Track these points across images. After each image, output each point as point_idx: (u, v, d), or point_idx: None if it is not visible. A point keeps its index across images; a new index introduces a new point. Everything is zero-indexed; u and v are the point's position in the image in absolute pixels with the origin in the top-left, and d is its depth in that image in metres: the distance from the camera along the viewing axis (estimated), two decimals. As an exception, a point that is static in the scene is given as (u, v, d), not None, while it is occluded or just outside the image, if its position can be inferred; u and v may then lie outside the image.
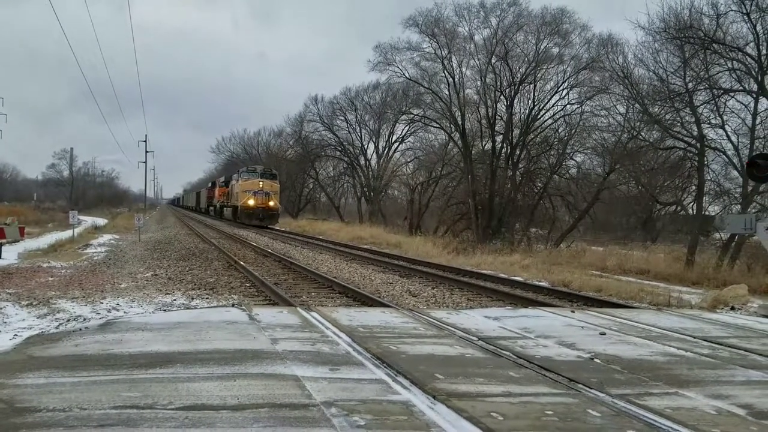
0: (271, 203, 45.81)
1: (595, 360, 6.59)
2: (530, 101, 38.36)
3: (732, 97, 23.38)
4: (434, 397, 5.05)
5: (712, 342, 7.76)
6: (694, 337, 8.04)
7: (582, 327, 8.56)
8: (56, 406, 4.61)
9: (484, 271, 17.80)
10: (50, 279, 14.25)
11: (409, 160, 58.58)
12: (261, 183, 45.85)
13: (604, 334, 8.05)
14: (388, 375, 5.73)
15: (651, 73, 25.61)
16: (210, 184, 71.24)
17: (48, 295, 11.45)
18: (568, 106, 37.16)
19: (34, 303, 10.62)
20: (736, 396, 5.36)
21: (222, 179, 61.03)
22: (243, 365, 5.91)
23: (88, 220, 50.98)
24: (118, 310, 10.11)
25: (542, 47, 39.20)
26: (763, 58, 21.86)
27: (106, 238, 31.50)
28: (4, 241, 27.72)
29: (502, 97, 38.71)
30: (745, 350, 7.32)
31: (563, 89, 37.29)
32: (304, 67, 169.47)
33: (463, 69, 44.21)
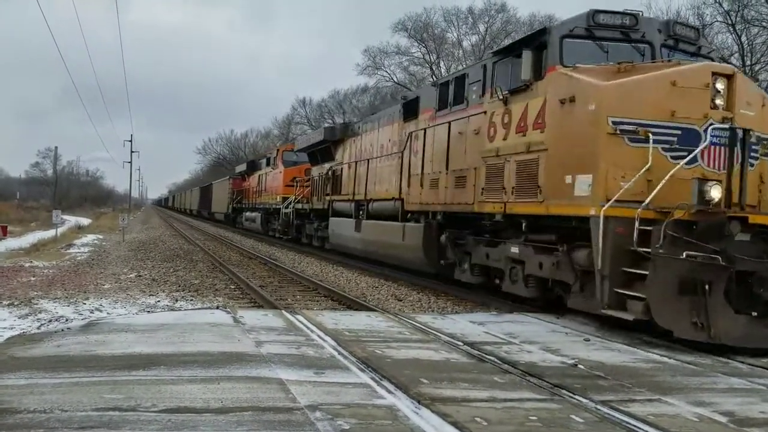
0: None
1: (579, 366, 6.62)
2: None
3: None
4: (419, 402, 5.06)
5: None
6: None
7: (566, 333, 8.60)
8: (37, 408, 4.56)
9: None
10: (32, 279, 14.10)
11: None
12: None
13: (588, 340, 8.09)
14: (373, 379, 5.73)
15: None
16: (246, 166, 39.67)
17: (30, 295, 11.32)
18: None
19: (16, 303, 10.50)
20: (718, 403, 5.41)
21: (273, 156, 32.45)
22: (227, 368, 5.88)
23: (71, 220, 50.49)
24: (101, 311, 10.02)
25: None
26: (746, 69, 22.13)
27: (89, 238, 31.23)
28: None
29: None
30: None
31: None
32: (297, 69, 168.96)
33: (451, 74, 44.37)
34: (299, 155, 26.58)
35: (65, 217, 44.00)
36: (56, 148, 74.58)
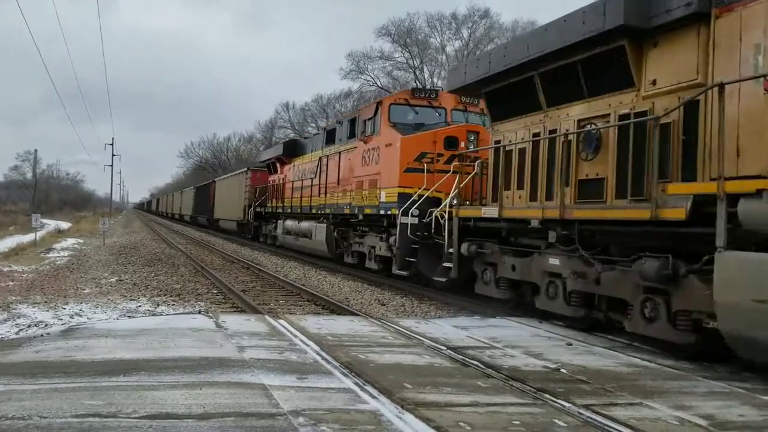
0: None
1: (562, 370, 6.65)
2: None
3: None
4: (402, 407, 5.05)
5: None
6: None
7: (549, 337, 8.64)
8: (15, 414, 4.50)
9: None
10: (11, 283, 13.92)
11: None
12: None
13: (571, 344, 8.14)
14: (357, 384, 5.72)
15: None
16: (284, 149, 26.30)
17: (8, 300, 11.17)
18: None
19: (-6, 308, 10.36)
20: (698, 407, 5.46)
21: (364, 117, 17.04)
22: (209, 373, 5.84)
23: (51, 224, 49.92)
24: (81, 316, 9.91)
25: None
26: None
27: (69, 242, 30.90)
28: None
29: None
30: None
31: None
32: (284, 74, 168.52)
33: (435, 79, 44.63)
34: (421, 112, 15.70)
35: (45, 220, 43.50)
36: (36, 151, 74.26)
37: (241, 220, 33.22)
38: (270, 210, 27.55)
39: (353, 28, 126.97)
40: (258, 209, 29.64)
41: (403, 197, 14.09)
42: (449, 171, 13.37)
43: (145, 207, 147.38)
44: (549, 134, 9.78)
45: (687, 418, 5.14)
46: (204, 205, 48.04)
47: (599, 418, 5.01)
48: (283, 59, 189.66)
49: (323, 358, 6.71)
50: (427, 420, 4.76)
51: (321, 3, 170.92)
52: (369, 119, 16.43)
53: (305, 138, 29.61)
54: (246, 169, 36.09)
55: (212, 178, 57.61)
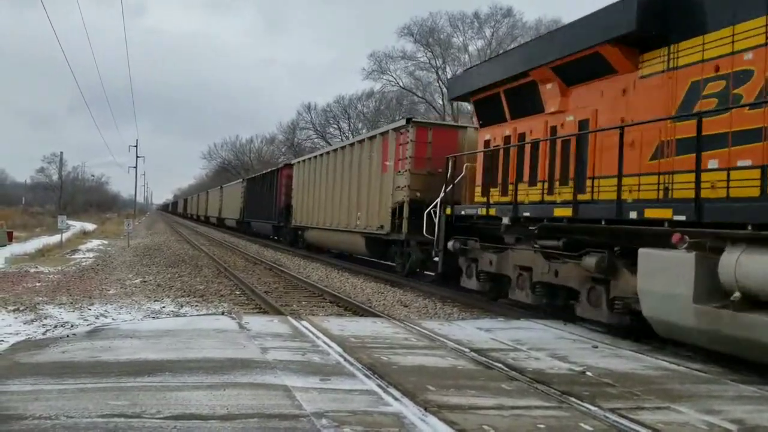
0: None
1: (587, 373, 6.57)
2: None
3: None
4: (426, 409, 5.01)
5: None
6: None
7: (574, 340, 8.55)
8: (43, 414, 4.54)
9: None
10: (37, 284, 14.12)
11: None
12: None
13: (596, 347, 8.04)
14: (379, 386, 5.69)
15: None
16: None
17: (35, 301, 11.33)
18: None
19: (21, 308, 10.50)
20: (727, 411, 5.35)
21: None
22: (232, 374, 5.85)
23: (76, 225, 50.64)
24: (106, 317, 10.01)
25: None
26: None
27: (94, 243, 31.29)
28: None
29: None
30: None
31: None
32: (306, 76, 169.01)
33: (457, 80, 44.40)
34: None
35: (70, 222, 44.12)
36: (61, 153, 75.11)
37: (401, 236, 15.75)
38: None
39: (375, 29, 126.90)
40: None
41: None
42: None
43: (170, 208, 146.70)
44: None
45: (716, 422, 5.04)
46: (265, 205, 32.29)
47: (626, 422, 4.92)
48: (305, 60, 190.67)
49: (346, 359, 6.69)
50: (450, 423, 4.72)
51: (341, 3, 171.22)
52: None
53: None
54: (406, 119, 16.48)
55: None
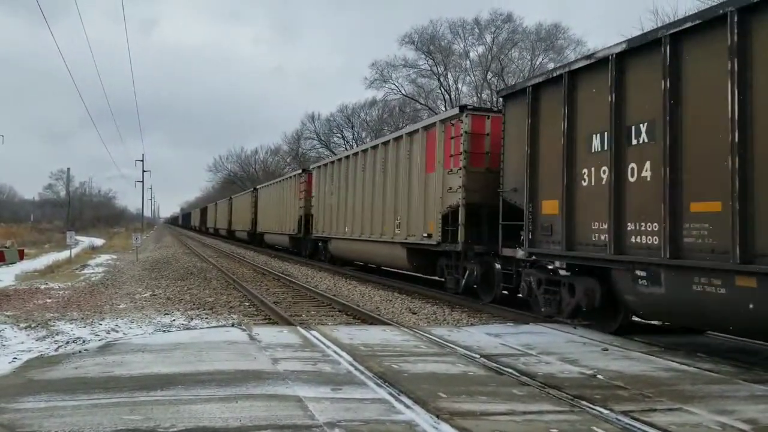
0: None
1: (598, 376, 6.56)
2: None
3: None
4: (438, 417, 5.03)
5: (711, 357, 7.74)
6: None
7: (584, 343, 8.54)
8: (57, 430, 4.58)
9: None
10: (48, 300, 14.19)
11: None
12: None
13: (607, 349, 8.03)
14: (391, 394, 5.70)
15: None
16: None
17: (46, 317, 11.39)
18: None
19: (33, 325, 10.57)
20: (740, 411, 5.34)
21: None
22: (244, 386, 5.88)
23: (85, 241, 50.85)
24: (117, 332, 10.06)
25: (537, 62, 39.56)
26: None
27: (103, 258, 31.42)
28: (2, 263, 27.70)
29: (498, 113, 39.02)
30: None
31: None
32: (315, 84, 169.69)
33: (460, 85, 44.57)
34: None
35: (79, 237, 44.30)
36: (68, 169, 75.22)
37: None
38: None
39: (375, 38, 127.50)
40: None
41: None
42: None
43: (180, 221, 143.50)
44: None
45: (729, 422, 5.03)
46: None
47: (638, 425, 4.92)
48: (307, 71, 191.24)
49: (356, 368, 6.71)
50: (463, 429, 4.73)
51: (341, 14, 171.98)
52: None
53: None
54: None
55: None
